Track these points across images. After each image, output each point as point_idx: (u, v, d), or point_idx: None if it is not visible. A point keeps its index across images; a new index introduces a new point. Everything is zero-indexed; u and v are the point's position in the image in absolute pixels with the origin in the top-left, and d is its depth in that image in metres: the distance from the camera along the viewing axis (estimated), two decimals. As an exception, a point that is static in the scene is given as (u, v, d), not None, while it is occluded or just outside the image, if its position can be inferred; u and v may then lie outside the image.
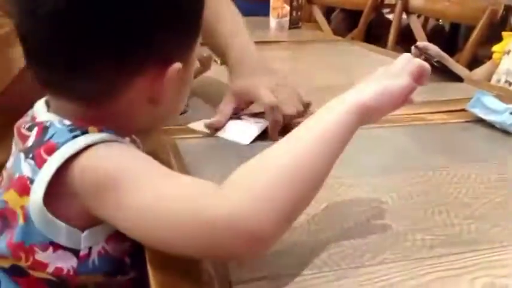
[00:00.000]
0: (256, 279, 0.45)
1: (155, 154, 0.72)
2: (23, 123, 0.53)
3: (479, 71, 1.38)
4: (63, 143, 0.47)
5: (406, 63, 0.53)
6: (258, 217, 0.40)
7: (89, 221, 0.49)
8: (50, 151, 0.47)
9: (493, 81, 1.30)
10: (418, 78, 0.52)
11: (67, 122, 0.49)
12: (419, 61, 0.53)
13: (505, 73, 1.28)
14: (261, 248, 0.42)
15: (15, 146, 0.54)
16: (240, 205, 0.41)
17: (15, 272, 0.51)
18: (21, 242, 0.49)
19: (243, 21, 0.90)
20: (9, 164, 0.54)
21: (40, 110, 0.53)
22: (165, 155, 0.72)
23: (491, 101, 0.87)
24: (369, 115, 0.49)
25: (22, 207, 0.48)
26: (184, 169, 0.67)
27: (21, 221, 0.48)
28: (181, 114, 0.86)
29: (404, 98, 0.52)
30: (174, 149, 0.74)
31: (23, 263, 0.50)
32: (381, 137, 0.81)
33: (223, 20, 0.87)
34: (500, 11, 1.46)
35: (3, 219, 0.51)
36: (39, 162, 0.47)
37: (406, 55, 0.55)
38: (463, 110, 0.91)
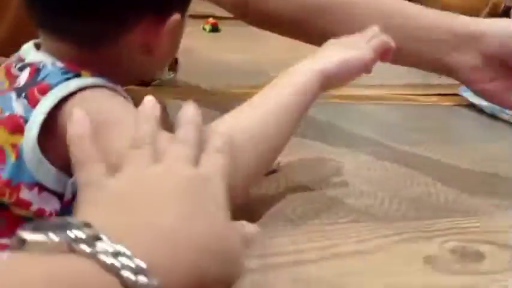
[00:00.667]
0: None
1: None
2: (12, 63, 0.53)
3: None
4: (56, 84, 0.47)
5: (372, 36, 0.53)
6: None
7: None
8: (43, 91, 0.47)
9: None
10: (383, 53, 0.52)
11: (60, 65, 0.49)
12: (385, 37, 0.53)
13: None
14: None
15: None
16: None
17: None
18: (9, 179, 0.49)
19: None
20: None
21: (28, 51, 0.53)
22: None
23: (482, 85, 0.87)
24: (329, 83, 0.49)
25: (13, 145, 0.48)
26: (172, 128, 0.68)
27: (11, 159, 0.48)
28: (169, 76, 0.87)
29: (363, 70, 0.52)
30: (162, 109, 0.74)
31: (6, 200, 0.49)
32: (372, 113, 0.82)
33: None
34: (503, 4, 1.46)
35: None
36: (33, 101, 0.47)
37: (375, 29, 0.55)
38: (455, 94, 0.91)
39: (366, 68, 0.51)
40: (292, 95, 0.47)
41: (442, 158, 0.66)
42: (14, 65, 0.53)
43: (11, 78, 0.52)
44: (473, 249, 0.45)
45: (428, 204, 0.53)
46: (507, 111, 0.82)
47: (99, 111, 0.46)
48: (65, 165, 0.49)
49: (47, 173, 0.48)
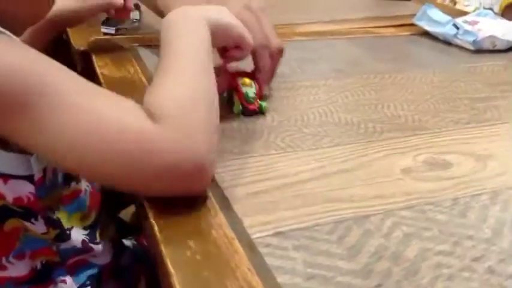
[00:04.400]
0: (226, 159, 0.50)
1: (119, 61, 0.74)
2: None
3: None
4: None
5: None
6: (201, 154, 0.40)
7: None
8: None
9: (439, 0, 1.37)
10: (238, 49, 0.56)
11: None
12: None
13: (449, -7, 1.34)
14: (209, 176, 0.42)
15: None
16: (186, 148, 0.39)
17: None
18: None
19: None
20: None
21: None
22: (127, 62, 0.74)
23: (436, 13, 0.93)
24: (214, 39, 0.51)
25: None
26: (149, 75, 0.70)
27: None
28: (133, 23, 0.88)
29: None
30: (136, 56, 0.77)
31: None
32: (336, 46, 0.87)
33: None
34: None
35: None
36: None
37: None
38: (410, 24, 0.97)
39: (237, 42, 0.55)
40: (205, 58, 0.47)
41: (405, 84, 0.72)
42: None
43: None
44: (441, 159, 0.52)
45: (398, 125, 0.59)
46: (459, 36, 0.88)
47: (14, 79, 0.39)
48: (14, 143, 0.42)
49: (4, 161, 0.44)
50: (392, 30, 0.98)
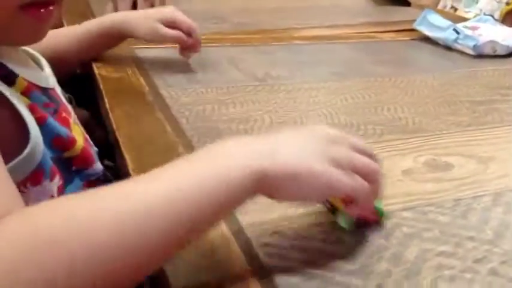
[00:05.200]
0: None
1: (117, 63, 0.74)
2: None
3: (427, -3, 1.43)
4: None
5: (353, 155, 0.38)
6: None
7: None
8: None
9: (440, 6, 1.37)
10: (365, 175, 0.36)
11: None
12: (369, 162, 0.38)
13: (450, -2, 1.34)
14: None
15: None
16: None
17: None
18: None
19: None
20: None
21: None
22: (125, 64, 0.74)
23: (436, 18, 0.93)
24: (271, 192, 0.34)
25: None
26: (148, 76, 0.70)
27: None
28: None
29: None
30: (134, 58, 0.76)
31: None
32: (335, 50, 0.86)
33: None
34: None
35: None
36: None
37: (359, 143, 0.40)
38: (411, 29, 0.97)
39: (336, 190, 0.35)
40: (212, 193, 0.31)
41: (406, 87, 0.71)
42: None
43: None
44: (443, 160, 0.51)
45: (399, 127, 0.59)
46: (460, 41, 0.88)
47: None
48: None
49: None
50: (392, 35, 0.97)
